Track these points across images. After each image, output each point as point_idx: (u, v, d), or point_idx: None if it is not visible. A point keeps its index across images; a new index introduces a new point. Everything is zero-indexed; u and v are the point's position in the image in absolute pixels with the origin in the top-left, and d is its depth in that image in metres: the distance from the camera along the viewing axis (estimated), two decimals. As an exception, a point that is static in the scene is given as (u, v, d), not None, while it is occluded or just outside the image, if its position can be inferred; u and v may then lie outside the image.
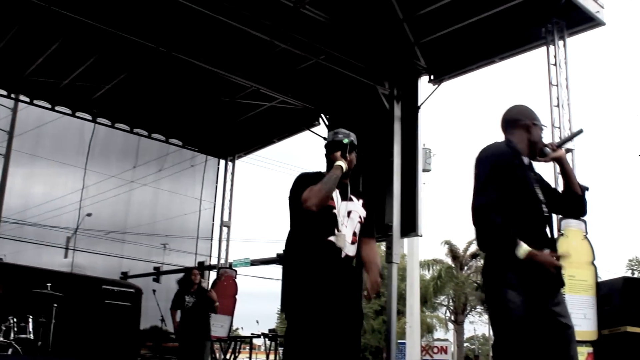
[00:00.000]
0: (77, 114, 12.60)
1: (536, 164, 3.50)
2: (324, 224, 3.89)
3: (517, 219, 3.20)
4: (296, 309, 3.80)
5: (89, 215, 14.38)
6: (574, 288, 7.76)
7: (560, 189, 3.57)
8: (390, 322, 10.21)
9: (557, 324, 3.19)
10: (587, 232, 8.17)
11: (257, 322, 13.36)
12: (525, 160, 3.42)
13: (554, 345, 3.19)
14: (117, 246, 14.59)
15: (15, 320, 8.61)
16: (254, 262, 17.06)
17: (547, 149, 3.42)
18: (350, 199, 4.08)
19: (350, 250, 3.94)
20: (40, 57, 11.06)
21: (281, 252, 17.39)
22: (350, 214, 4.02)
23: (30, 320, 8.72)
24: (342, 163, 3.99)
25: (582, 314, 7.67)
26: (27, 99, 12.12)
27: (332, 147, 4.11)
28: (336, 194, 4.00)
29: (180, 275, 10.15)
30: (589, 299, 7.77)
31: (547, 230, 3.38)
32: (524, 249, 3.09)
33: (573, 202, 3.46)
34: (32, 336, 8.66)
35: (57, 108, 12.37)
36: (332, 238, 3.87)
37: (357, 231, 4.02)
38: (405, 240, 10.53)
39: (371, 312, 29.78)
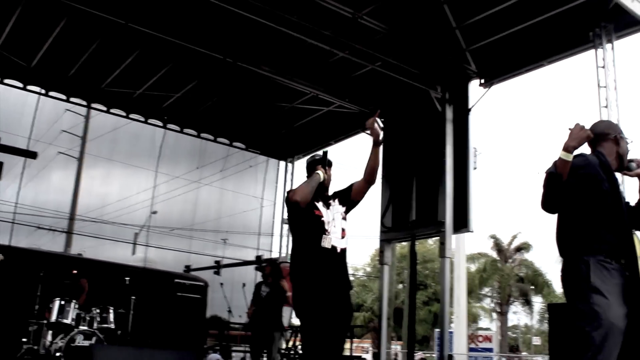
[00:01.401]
0: (150, 120, 12.79)
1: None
2: (316, 230, 4.44)
3: (604, 228, 3.12)
4: (307, 308, 4.28)
5: (154, 213, 14.64)
6: None
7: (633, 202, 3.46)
8: (443, 312, 10.13)
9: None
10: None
11: None
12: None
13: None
14: (182, 242, 14.81)
15: (98, 311, 8.82)
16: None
17: (633, 164, 3.35)
18: (331, 204, 4.64)
19: (342, 244, 4.52)
20: (116, 69, 11.30)
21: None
22: (335, 216, 4.57)
23: (111, 311, 8.91)
24: (320, 172, 4.57)
25: None
26: (104, 108, 12.35)
27: (312, 164, 4.71)
28: (321, 206, 4.56)
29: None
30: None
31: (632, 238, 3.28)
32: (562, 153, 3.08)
33: None
34: (113, 326, 8.86)
35: (131, 116, 12.58)
36: (325, 241, 4.41)
37: (345, 226, 4.60)
38: (453, 235, 10.50)
39: (419, 303, 29.62)
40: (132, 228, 15.23)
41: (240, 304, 10.55)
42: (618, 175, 3.42)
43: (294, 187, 4.70)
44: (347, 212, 4.70)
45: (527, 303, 35.82)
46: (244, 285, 10.51)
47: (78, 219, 14.73)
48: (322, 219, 4.48)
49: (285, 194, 4.71)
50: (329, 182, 4.71)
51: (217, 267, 15.64)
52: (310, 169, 4.70)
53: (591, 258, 3.13)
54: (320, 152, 4.77)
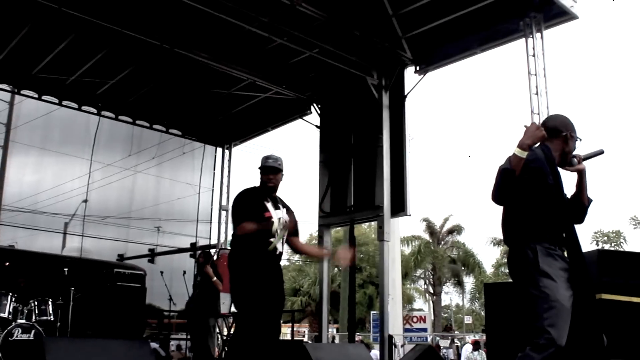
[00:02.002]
0: (83, 107, 12.53)
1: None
2: (264, 231, 4.70)
3: (547, 219, 3.33)
4: (245, 299, 4.63)
5: (85, 201, 14.36)
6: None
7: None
8: (382, 294, 10.38)
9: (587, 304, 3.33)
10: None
11: None
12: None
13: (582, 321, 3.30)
14: (116, 230, 14.59)
15: (36, 303, 8.67)
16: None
17: (575, 159, 3.54)
18: (279, 208, 4.90)
19: (282, 247, 4.88)
20: (48, 55, 10.98)
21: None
22: (280, 220, 4.82)
23: (50, 303, 8.78)
24: (275, 224, 4.79)
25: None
26: (35, 95, 12.01)
27: (265, 170, 4.95)
28: (270, 206, 4.84)
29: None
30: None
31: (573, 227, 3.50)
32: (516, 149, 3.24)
33: (578, 210, 3.58)
34: (52, 318, 8.73)
35: (64, 102, 12.28)
36: (272, 239, 4.71)
37: (285, 233, 4.88)
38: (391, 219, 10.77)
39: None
40: (63, 217, 14.87)
41: (181, 291, 10.53)
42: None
43: (241, 198, 4.92)
44: (289, 222, 4.96)
45: (459, 284, 36.89)
46: (184, 273, 10.49)
47: (5, 209, 14.28)
48: (272, 220, 4.77)
49: (234, 210, 4.93)
50: (277, 187, 4.98)
51: (152, 255, 15.50)
52: (263, 173, 4.94)
53: (538, 245, 3.32)
54: (272, 158, 5.01)
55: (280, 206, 4.92)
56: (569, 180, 3.58)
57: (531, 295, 3.32)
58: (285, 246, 4.99)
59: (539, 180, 3.38)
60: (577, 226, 3.55)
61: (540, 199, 3.37)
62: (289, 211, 5.00)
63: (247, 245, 4.70)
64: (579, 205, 3.57)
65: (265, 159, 4.97)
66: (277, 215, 4.81)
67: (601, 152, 3.65)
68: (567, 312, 3.24)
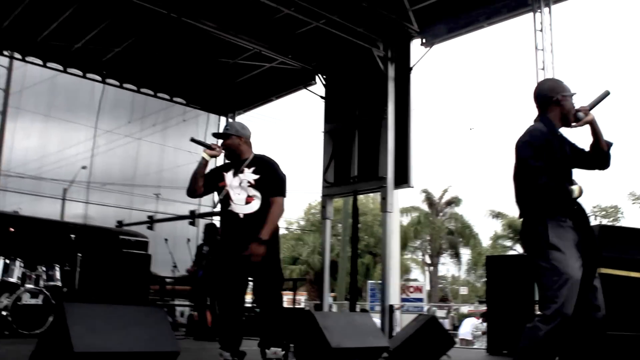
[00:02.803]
0: (88, 75, 12.52)
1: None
2: (223, 199, 4.91)
3: (561, 194, 3.43)
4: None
5: (84, 168, 14.42)
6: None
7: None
8: (384, 265, 10.51)
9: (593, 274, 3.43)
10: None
11: None
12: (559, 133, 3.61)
13: (586, 292, 3.40)
14: (117, 197, 14.68)
15: (44, 269, 8.79)
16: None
17: (580, 114, 3.57)
18: (242, 171, 4.92)
19: (247, 209, 4.85)
20: (54, 22, 10.95)
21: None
22: (241, 183, 4.87)
23: (57, 268, 8.89)
24: (203, 154, 5.00)
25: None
26: (40, 62, 12.00)
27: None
28: (228, 175, 4.96)
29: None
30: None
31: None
32: (574, 187, 3.42)
33: (600, 158, 3.66)
34: (60, 283, 8.85)
35: (68, 70, 12.27)
36: (230, 207, 4.83)
37: (254, 192, 4.87)
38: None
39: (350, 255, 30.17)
40: (64, 184, 14.94)
41: (184, 258, 10.66)
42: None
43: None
44: (260, 180, 4.90)
45: (456, 255, 37.17)
46: (188, 240, 10.61)
47: (5, 174, 14.33)
48: (226, 187, 4.91)
49: None
50: (235, 150, 5.03)
51: (151, 222, 15.61)
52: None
53: (548, 219, 3.41)
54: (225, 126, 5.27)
55: (246, 168, 4.93)
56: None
57: (541, 267, 3.43)
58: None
59: (548, 158, 3.46)
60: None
61: (549, 175, 3.44)
62: (259, 170, 4.93)
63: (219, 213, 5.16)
64: (600, 152, 3.64)
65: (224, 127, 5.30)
66: (236, 181, 4.89)
67: (607, 94, 3.66)
68: (576, 283, 3.34)
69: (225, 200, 4.89)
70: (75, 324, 3.72)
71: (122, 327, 3.91)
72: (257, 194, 4.85)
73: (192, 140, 5.28)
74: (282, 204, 4.92)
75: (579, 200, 3.53)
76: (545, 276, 3.38)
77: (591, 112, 3.59)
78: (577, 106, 3.64)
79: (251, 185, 4.86)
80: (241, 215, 4.81)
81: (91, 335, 3.74)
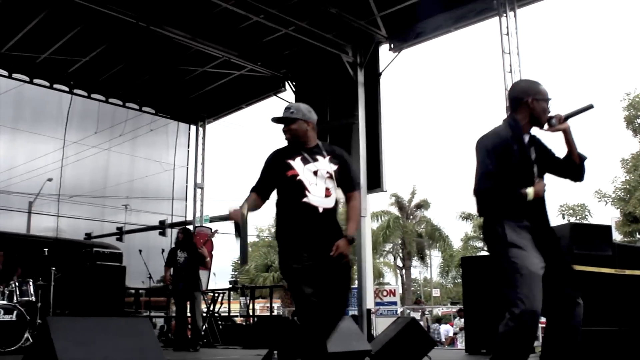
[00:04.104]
0: (55, 86, 12.42)
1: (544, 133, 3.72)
2: (294, 191, 4.06)
3: (515, 195, 3.51)
4: (287, 265, 4.02)
5: (49, 180, 14.24)
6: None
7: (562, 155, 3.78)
8: (360, 269, 10.60)
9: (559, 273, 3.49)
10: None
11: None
12: (526, 136, 3.67)
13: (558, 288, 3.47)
14: (83, 209, 14.50)
15: (17, 284, 8.66)
16: (212, 219, 17.14)
17: (554, 120, 3.63)
18: (316, 159, 4.17)
19: (327, 203, 4.10)
20: (19, 33, 10.85)
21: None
22: (317, 172, 4.12)
23: (31, 283, 8.78)
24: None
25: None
26: (5, 73, 11.86)
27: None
28: (298, 161, 4.13)
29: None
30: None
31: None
32: (529, 189, 3.42)
33: (571, 169, 3.71)
34: (33, 298, 8.74)
35: (35, 81, 12.16)
36: (305, 199, 4.03)
37: (331, 185, 4.13)
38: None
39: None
40: (29, 197, 14.73)
41: (159, 268, 10.61)
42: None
43: (269, 158, 4.28)
44: (338, 172, 4.17)
45: (422, 259, 37.53)
46: (162, 250, 10.55)
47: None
48: (298, 177, 4.12)
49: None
50: (301, 137, 4.25)
51: (120, 233, 15.47)
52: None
53: (505, 220, 3.49)
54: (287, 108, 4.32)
55: (319, 157, 4.20)
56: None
57: (503, 267, 3.52)
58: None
59: (505, 160, 3.54)
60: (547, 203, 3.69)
61: (506, 177, 3.52)
62: (333, 158, 4.22)
63: (280, 206, 4.22)
64: (571, 163, 3.68)
65: (285, 109, 4.38)
66: (310, 169, 4.13)
67: (589, 107, 3.66)
68: (538, 278, 3.41)
69: (298, 191, 4.08)
70: (59, 338, 3.72)
71: (108, 339, 3.91)
72: (334, 186, 4.15)
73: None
74: (360, 199, 4.30)
75: (541, 200, 3.61)
76: (508, 274, 3.47)
77: (567, 122, 3.64)
78: (554, 112, 3.69)
79: (330, 177, 4.14)
80: (320, 210, 4.08)
81: (77, 349, 3.74)
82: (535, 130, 3.74)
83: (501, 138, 3.58)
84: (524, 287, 3.38)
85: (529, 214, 3.53)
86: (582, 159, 3.68)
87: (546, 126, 3.65)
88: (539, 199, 3.59)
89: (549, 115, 3.65)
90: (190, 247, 9.37)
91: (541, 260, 3.44)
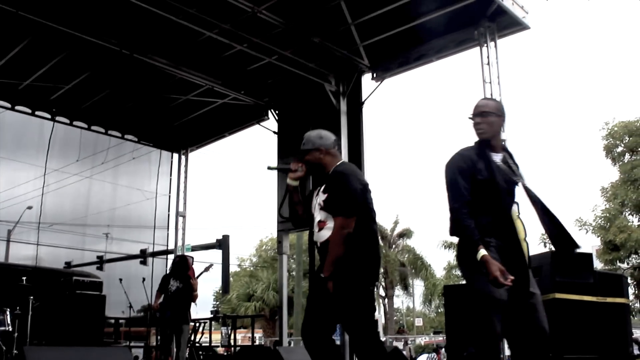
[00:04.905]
0: (37, 112, 12.35)
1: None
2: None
3: (482, 212, 3.53)
4: None
5: (29, 208, 14.12)
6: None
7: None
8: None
9: (524, 293, 3.50)
10: (519, 213, 8.64)
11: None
12: (498, 155, 3.71)
13: (524, 313, 3.48)
14: (63, 237, 14.37)
15: (-7, 313, 8.52)
16: (194, 248, 17.07)
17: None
18: (319, 191, 4.26)
19: (321, 237, 4.15)
20: (2, 59, 10.79)
21: (221, 237, 17.62)
22: (316, 206, 4.24)
23: (7, 313, 8.63)
24: (288, 181, 4.34)
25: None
26: (-14, 100, 11.80)
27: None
28: (313, 195, 4.31)
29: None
30: (523, 271, 8.25)
31: (514, 209, 3.68)
32: (480, 253, 3.40)
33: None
34: (10, 328, 8.58)
35: (16, 107, 12.08)
36: (313, 236, 4.25)
37: (322, 217, 4.15)
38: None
39: (305, 291, 30.15)
40: (7, 225, 14.56)
41: (140, 298, 10.50)
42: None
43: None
44: (327, 200, 4.19)
45: (405, 288, 37.46)
46: (143, 279, 10.47)
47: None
48: (311, 213, 4.29)
49: None
50: (318, 165, 4.37)
51: (100, 262, 15.33)
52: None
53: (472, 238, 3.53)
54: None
55: (322, 187, 4.27)
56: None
57: (470, 289, 3.55)
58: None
59: (471, 180, 3.58)
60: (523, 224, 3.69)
61: (474, 196, 3.55)
62: (327, 188, 4.24)
63: None
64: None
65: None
66: (314, 203, 4.28)
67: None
68: (499, 303, 3.41)
69: (311, 227, 4.28)
70: (37, 367, 3.65)
71: (87, 368, 3.85)
72: (329, 217, 4.11)
73: (270, 168, 4.75)
74: (342, 225, 4.00)
75: (514, 218, 3.63)
76: (474, 298, 3.51)
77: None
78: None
79: (322, 208, 4.17)
80: (318, 244, 4.18)
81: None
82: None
83: (465, 158, 3.63)
84: (487, 311, 3.41)
85: (497, 233, 3.55)
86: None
87: None
88: (507, 217, 3.60)
89: None
90: (184, 277, 9.29)
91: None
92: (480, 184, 3.58)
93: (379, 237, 4.50)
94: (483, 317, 3.46)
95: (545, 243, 31.62)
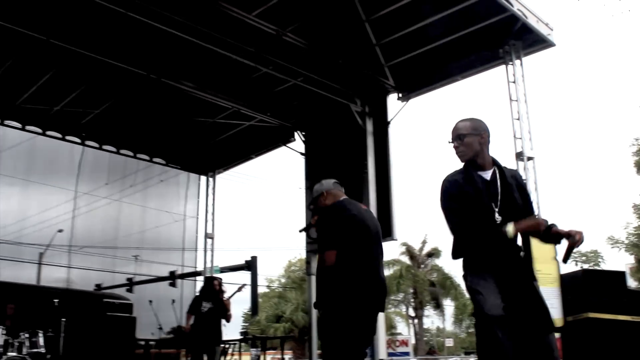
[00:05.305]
0: (67, 137, 12.58)
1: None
2: None
3: (477, 233, 3.51)
4: None
5: (60, 231, 14.32)
6: (541, 281, 8.11)
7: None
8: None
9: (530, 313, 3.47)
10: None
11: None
12: (487, 173, 3.66)
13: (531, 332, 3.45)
14: (93, 260, 14.52)
15: (27, 335, 8.63)
16: (223, 269, 17.14)
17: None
18: None
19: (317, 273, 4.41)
20: (33, 86, 11.06)
21: (249, 259, 17.70)
22: None
23: (40, 334, 8.74)
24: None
25: (549, 304, 8.05)
26: (19, 125, 12.04)
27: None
28: None
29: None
30: (554, 290, 8.15)
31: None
32: (509, 228, 3.35)
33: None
34: (43, 350, 8.70)
35: (47, 132, 12.32)
36: None
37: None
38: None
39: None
40: (39, 248, 14.77)
41: (170, 320, 10.56)
42: None
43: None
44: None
45: (438, 307, 37.02)
46: (173, 301, 10.52)
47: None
48: None
49: None
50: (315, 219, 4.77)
51: (130, 284, 15.47)
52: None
53: (468, 260, 3.54)
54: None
55: None
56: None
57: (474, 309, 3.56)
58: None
59: (462, 202, 3.56)
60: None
61: (469, 217, 3.55)
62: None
63: None
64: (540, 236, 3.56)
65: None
66: None
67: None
68: (501, 319, 3.33)
69: None
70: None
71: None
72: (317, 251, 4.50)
73: (300, 231, 5.23)
74: (321, 261, 4.31)
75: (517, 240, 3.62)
76: (475, 316, 3.52)
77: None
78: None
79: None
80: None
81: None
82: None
83: (452, 183, 3.64)
84: (492, 335, 3.38)
85: (490, 251, 3.53)
86: (546, 227, 3.43)
87: None
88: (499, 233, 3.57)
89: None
90: (216, 298, 9.30)
91: (500, 300, 3.37)
92: (471, 205, 3.58)
93: (376, 265, 4.49)
94: (489, 336, 3.43)
95: (576, 262, 31.33)
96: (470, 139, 3.69)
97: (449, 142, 3.74)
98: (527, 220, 3.41)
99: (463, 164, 3.70)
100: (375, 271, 4.45)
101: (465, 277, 3.55)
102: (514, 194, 3.61)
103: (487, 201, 3.54)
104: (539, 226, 3.33)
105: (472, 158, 3.67)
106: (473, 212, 3.51)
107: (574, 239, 3.25)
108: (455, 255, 3.65)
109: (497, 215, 3.51)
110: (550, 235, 3.31)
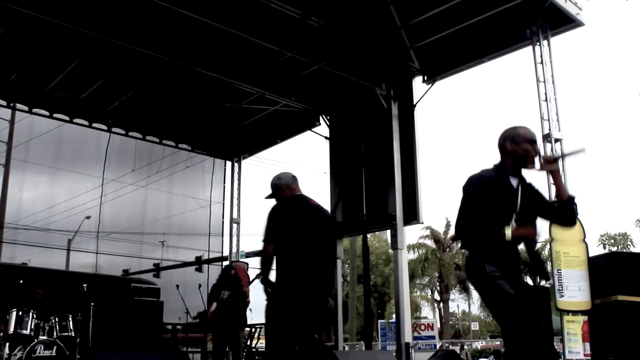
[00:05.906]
0: (94, 124, 12.68)
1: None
2: None
3: (494, 231, 3.55)
4: None
5: (88, 217, 14.46)
6: (569, 264, 8.05)
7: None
8: (397, 302, 10.45)
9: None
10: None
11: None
12: (514, 180, 3.69)
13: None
14: (121, 245, 14.66)
15: (56, 319, 8.75)
16: (248, 254, 17.21)
17: (538, 163, 3.67)
18: None
19: None
20: (60, 74, 11.14)
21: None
22: None
23: (70, 319, 8.86)
24: None
25: (577, 287, 7.96)
26: (47, 113, 12.15)
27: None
28: None
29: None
30: (582, 273, 8.04)
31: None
32: (507, 231, 3.50)
33: (563, 213, 3.70)
34: (73, 334, 8.81)
35: (75, 120, 12.43)
36: None
37: None
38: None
39: (359, 295, 30.10)
40: (67, 234, 14.93)
41: (197, 304, 10.64)
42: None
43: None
44: None
45: (465, 290, 36.93)
46: (200, 286, 10.59)
47: (9, 227, 14.33)
48: None
49: None
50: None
51: (157, 269, 15.60)
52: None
53: (484, 251, 3.59)
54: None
55: None
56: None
57: (488, 299, 3.62)
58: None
59: (487, 201, 3.59)
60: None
61: (490, 216, 3.55)
62: None
63: None
64: (560, 203, 3.68)
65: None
66: None
67: (580, 151, 3.68)
68: (518, 299, 3.44)
69: None
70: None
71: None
72: None
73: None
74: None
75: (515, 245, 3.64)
76: (497, 308, 3.57)
77: (557, 162, 3.66)
78: (543, 151, 3.77)
79: None
80: None
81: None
82: (528, 174, 3.81)
83: (485, 179, 3.65)
84: (516, 319, 3.44)
85: (509, 248, 3.56)
86: (571, 199, 3.67)
87: (537, 165, 3.70)
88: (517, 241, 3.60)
89: (540, 155, 3.70)
90: (235, 285, 9.36)
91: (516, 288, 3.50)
92: (496, 206, 3.62)
93: (320, 260, 4.72)
94: (518, 313, 3.48)
95: (604, 244, 30.98)
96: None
97: (528, 146, 3.70)
98: (523, 228, 3.58)
99: (497, 165, 3.74)
100: (317, 266, 4.68)
101: (480, 265, 3.57)
102: (531, 204, 3.71)
103: (509, 206, 3.63)
104: (532, 235, 3.61)
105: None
106: (493, 212, 3.58)
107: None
108: (465, 241, 3.71)
109: (513, 222, 3.60)
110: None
